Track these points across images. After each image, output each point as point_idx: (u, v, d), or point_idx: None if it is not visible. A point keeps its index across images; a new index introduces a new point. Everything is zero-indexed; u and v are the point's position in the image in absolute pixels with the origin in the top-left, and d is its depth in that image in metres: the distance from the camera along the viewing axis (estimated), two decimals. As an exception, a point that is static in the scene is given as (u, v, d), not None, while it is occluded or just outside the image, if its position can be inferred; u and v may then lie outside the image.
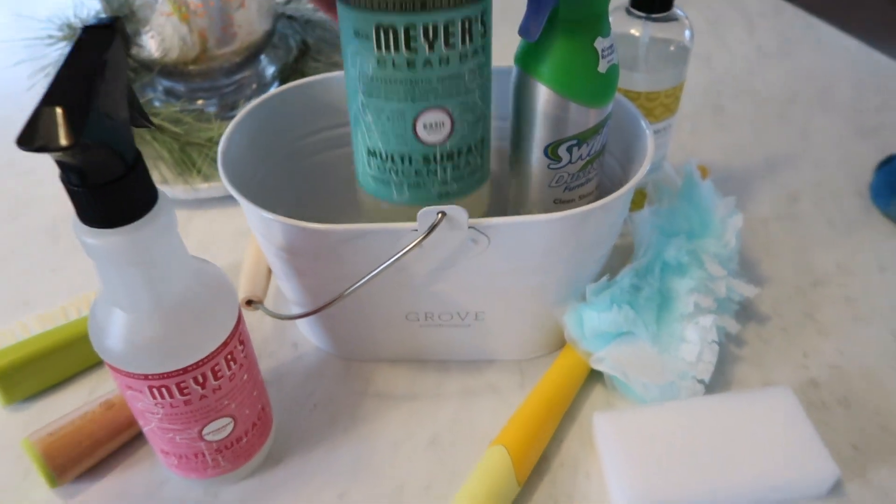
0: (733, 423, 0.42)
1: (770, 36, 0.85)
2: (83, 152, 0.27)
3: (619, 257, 0.52)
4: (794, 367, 0.48)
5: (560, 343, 0.48)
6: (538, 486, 0.42)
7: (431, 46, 0.32)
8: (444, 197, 0.38)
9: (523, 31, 0.39)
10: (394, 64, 0.33)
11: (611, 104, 0.41)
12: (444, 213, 0.37)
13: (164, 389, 0.35)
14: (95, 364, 0.48)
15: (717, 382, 0.47)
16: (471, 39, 0.34)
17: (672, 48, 0.48)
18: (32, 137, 0.26)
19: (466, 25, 0.33)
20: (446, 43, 0.32)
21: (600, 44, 0.39)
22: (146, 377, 0.34)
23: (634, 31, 0.48)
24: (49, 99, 0.26)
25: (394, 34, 0.32)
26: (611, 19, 0.46)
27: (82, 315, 0.47)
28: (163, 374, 0.34)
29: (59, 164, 0.28)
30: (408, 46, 0.32)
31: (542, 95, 0.40)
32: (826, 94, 0.75)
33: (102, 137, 0.27)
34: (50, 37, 0.61)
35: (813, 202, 0.62)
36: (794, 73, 0.79)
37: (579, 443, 0.44)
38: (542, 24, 0.38)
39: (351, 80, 0.36)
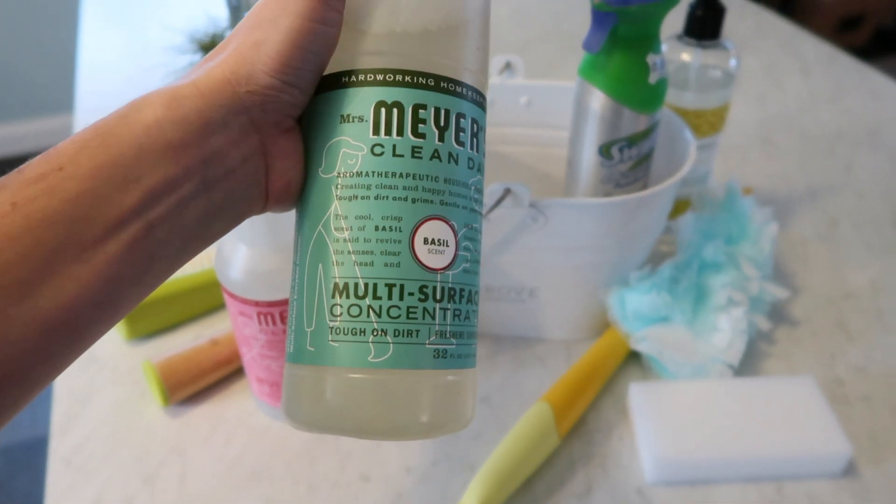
0: (756, 402, 0.47)
1: (823, 81, 0.90)
2: None
3: (662, 260, 0.58)
4: (821, 366, 0.53)
5: (604, 328, 0.54)
6: (575, 443, 0.48)
7: (441, 136, 0.27)
8: (440, 358, 0.27)
9: (586, 45, 0.46)
10: (395, 151, 0.26)
11: (659, 112, 0.48)
12: (509, 190, 0.44)
13: (269, 316, 0.42)
14: (203, 313, 0.57)
15: (746, 373, 0.52)
16: (476, 148, 0.28)
17: (719, 73, 0.54)
18: None
19: (475, 129, 0.28)
20: (456, 138, 0.27)
21: (651, 59, 0.46)
22: (257, 303, 0.42)
23: (686, 56, 0.54)
24: None
25: (398, 114, 0.26)
26: (665, 45, 0.54)
27: (204, 268, 0.56)
28: (270, 301, 0.42)
29: None
30: (415, 131, 0.27)
31: (600, 100, 0.47)
32: (874, 135, 0.79)
33: None
34: (188, 45, 0.73)
35: (852, 227, 0.66)
36: (845, 114, 0.83)
37: (615, 412, 0.50)
38: (603, 40, 0.45)
39: (317, 193, 0.28)
